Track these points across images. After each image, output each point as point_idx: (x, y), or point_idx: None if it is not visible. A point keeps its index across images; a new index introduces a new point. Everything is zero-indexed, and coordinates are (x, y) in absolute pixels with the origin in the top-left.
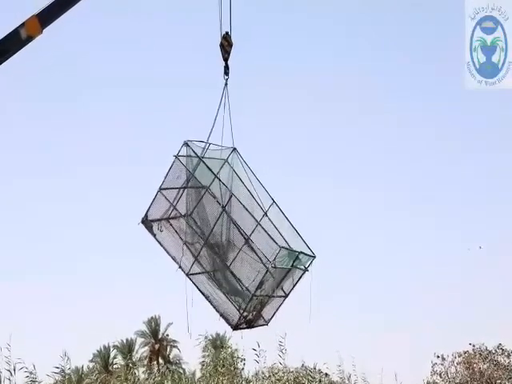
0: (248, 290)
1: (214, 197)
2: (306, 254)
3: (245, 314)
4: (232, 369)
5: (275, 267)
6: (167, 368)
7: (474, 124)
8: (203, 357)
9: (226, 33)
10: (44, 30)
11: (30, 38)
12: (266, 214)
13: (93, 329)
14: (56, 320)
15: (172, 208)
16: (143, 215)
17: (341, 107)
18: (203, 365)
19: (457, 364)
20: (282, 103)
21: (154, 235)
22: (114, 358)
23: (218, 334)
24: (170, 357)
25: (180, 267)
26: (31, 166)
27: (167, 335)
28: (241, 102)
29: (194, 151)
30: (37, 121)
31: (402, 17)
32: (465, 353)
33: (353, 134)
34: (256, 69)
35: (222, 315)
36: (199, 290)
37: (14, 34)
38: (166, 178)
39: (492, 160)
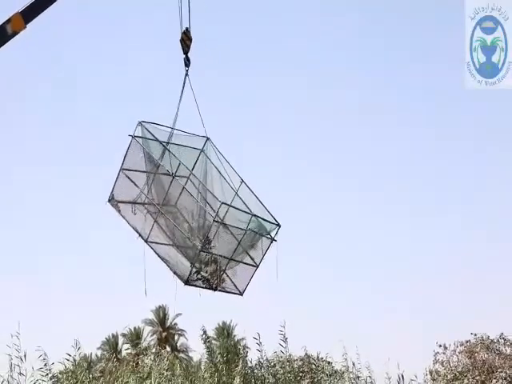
0: (196, 246)
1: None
2: (260, 218)
3: (195, 269)
4: (235, 359)
5: (217, 221)
6: (175, 355)
7: (473, 124)
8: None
9: (186, 29)
10: (28, 25)
11: (14, 33)
12: (237, 193)
13: (101, 317)
14: (64, 308)
15: (146, 193)
16: (109, 195)
17: (340, 106)
18: (209, 353)
19: (459, 353)
20: (280, 103)
21: (119, 211)
22: (130, 346)
23: (224, 323)
24: (178, 345)
25: (140, 235)
26: (31, 156)
27: (175, 324)
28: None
29: (175, 134)
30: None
31: (402, 17)
32: (467, 342)
33: (352, 133)
34: (252, 68)
35: (175, 273)
36: (156, 253)
37: (1, 29)
38: (125, 158)
39: (492, 160)
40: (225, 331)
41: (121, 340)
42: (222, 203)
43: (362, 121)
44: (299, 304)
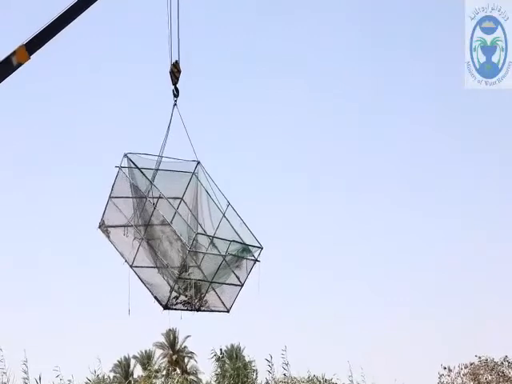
0: (174, 273)
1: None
2: (240, 243)
3: (174, 294)
4: (246, 380)
5: (192, 251)
6: (185, 378)
7: (473, 124)
8: (218, 367)
9: (176, 61)
10: (32, 56)
11: (19, 65)
12: (224, 215)
13: (113, 340)
14: (77, 332)
15: (134, 219)
16: (100, 221)
17: (339, 107)
18: (217, 375)
19: (463, 375)
20: (279, 103)
21: (108, 237)
22: (142, 369)
23: (232, 346)
24: (188, 367)
25: (126, 261)
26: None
27: (185, 347)
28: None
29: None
30: None
31: (402, 17)
32: (471, 364)
33: (351, 134)
34: (252, 69)
35: (155, 297)
36: (140, 278)
37: (7, 61)
38: (113, 187)
39: (492, 160)
40: (233, 353)
41: (132, 362)
42: (197, 234)
43: (361, 121)
44: (304, 320)
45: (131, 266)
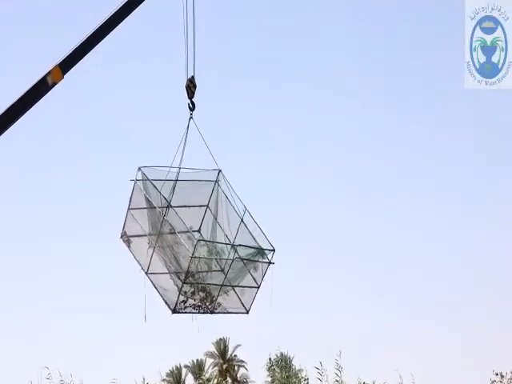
0: (180, 279)
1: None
2: (243, 245)
3: (182, 298)
4: None
5: (194, 257)
6: None
7: (473, 124)
8: (268, 376)
9: (192, 76)
10: (65, 76)
11: (54, 84)
12: (242, 220)
13: (165, 349)
14: (126, 341)
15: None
16: (121, 231)
17: (340, 106)
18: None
19: None
20: (279, 105)
21: (129, 246)
22: (193, 379)
23: (281, 354)
24: (238, 376)
25: (142, 268)
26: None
27: (235, 356)
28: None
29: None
30: None
31: (402, 17)
32: None
33: (352, 133)
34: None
35: (165, 302)
36: (153, 284)
37: (43, 81)
38: (131, 199)
39: (492, 160)
40: (282, 362)
41: (184, 372)
42: (198, 240)
43: (361, 121)
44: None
45: (146, 273)
